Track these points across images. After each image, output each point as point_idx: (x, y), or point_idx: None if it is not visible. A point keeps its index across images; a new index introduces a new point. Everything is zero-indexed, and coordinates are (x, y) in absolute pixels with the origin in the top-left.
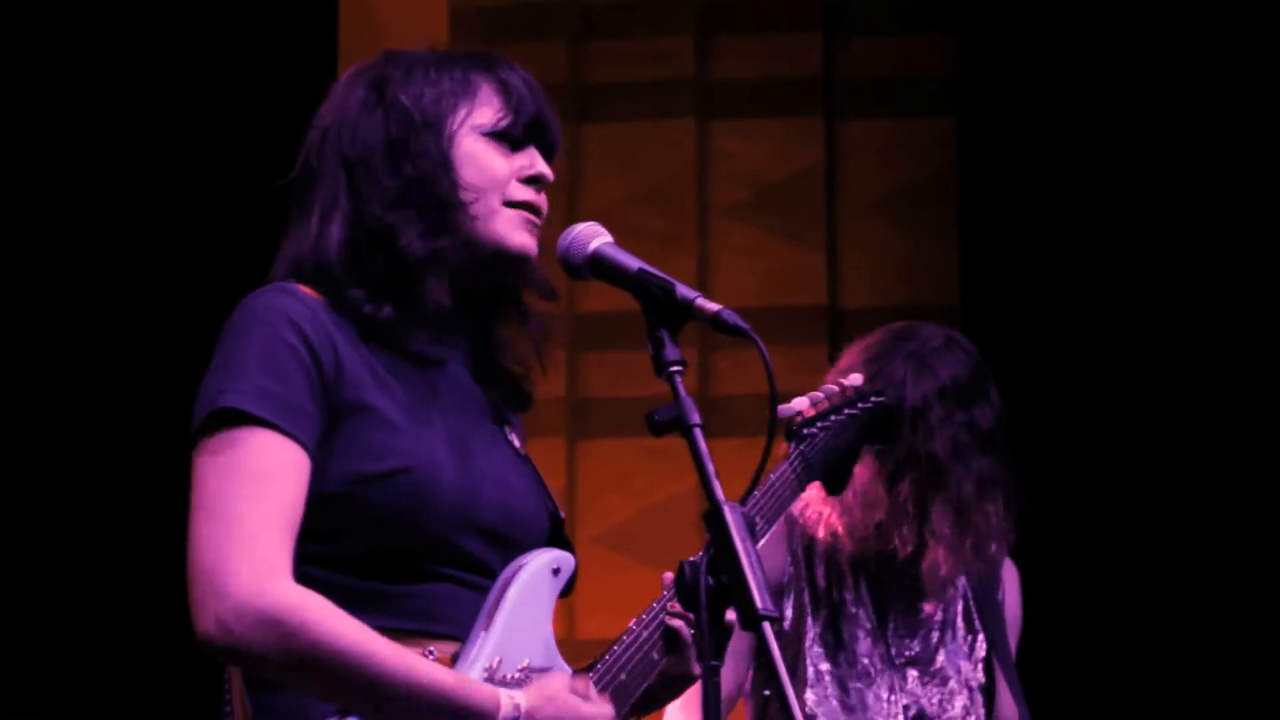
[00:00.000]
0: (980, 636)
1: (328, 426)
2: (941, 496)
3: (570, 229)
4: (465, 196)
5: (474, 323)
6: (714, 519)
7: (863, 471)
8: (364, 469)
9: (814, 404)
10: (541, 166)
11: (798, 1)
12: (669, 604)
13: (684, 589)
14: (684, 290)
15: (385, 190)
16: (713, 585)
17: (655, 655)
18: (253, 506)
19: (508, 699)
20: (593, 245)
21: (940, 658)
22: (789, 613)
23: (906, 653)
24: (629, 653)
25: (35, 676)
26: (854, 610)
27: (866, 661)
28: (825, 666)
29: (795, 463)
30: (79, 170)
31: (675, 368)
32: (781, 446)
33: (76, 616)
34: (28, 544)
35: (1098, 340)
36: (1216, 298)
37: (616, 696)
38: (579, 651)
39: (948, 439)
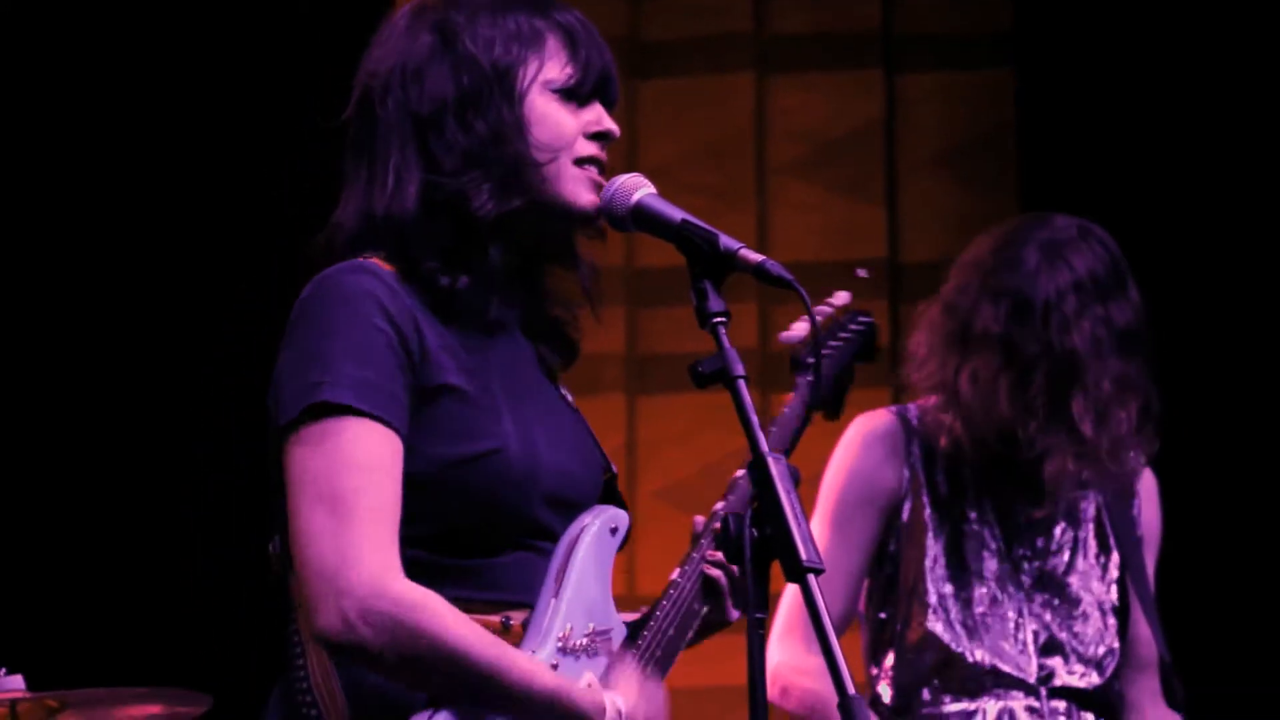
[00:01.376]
0: (1114, 556)
1: (414, 410)
2: (1075, 394)
3: (613, 180)
4: (539, 156)
5: (526, 274)
6: (758, 470)
7: (987, 365)
8: (455, 452)
9: (809, 328)
10: (609, 123)
11: None
12: (706, 552)
13: (728, 541)
14: (727, 241)
15: (456, 149)
16: (757, 537)
17: (697, 606)
18: (364, 499)
19: (611, 705)
20: (636, 196)
21: (1072, 580)
22: (904, 518)
23: (1035, 575)
24: (677, 606)
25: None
26: (978, 528)
27: (993, 584)
28: (948, 589)
29: (803, 393)
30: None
31: (719, 319)
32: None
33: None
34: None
35: (1161, 293)
36: None
37: (667, 651)
38: (638, 607)
39: (1085, 333)
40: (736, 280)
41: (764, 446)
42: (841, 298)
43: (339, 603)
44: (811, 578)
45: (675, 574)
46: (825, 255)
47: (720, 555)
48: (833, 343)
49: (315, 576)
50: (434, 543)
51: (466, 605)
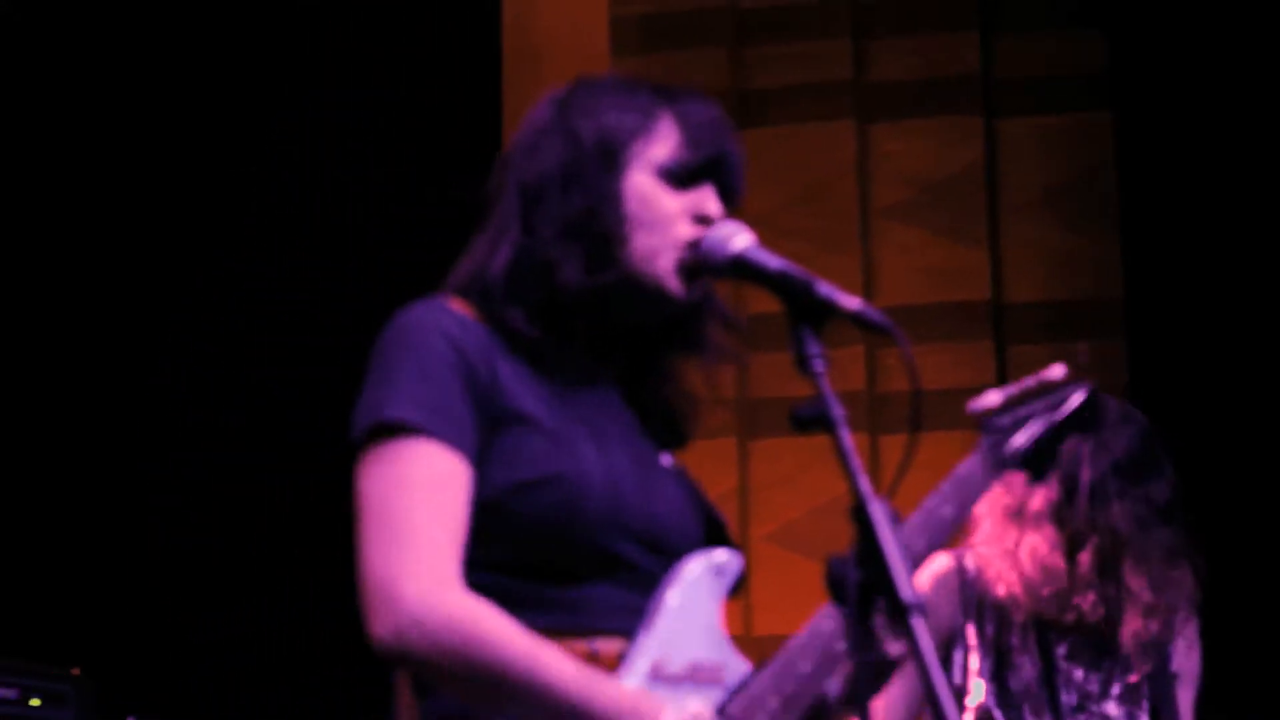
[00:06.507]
0: (1144, 689)
1: (485, 436)
2: (1126, 566)
3: (712, 229)
4: (632, 232)
5: (636, 350)
6: (860, 513)
7: (1042, 542)
8: (517, 477)
9: (1006, 397)
10: (711, 206)
11: (953, 1)
12: None
13: (833, 583)
14: (824, 288)
15: (554, 219)
16: (861, 579)
17: (839, 646)
18: (420, 515)
19: (674, 714)
20: (734, 245)
21: (1108, 706)
22: (957, 658)
23: (1075, 703)
24: (813, 643)
25: None
26: (1019, 660)
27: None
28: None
29: (985, 455)
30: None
31: (817, 363)
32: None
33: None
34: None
35: (1265, 331)
36: None
37: (800, 686)
38: (756, 648)
39: (1127, 511)
40: (843, 323)
41: (865, 489)
42: (1056, 370)
43: (390, 615)
44: (914, 616)
45: (817, 615)
46: (930, 297)
47: None
48: (1030, 408)
49: (371, 590)
50: (513, 569)
51: (553, 635)
